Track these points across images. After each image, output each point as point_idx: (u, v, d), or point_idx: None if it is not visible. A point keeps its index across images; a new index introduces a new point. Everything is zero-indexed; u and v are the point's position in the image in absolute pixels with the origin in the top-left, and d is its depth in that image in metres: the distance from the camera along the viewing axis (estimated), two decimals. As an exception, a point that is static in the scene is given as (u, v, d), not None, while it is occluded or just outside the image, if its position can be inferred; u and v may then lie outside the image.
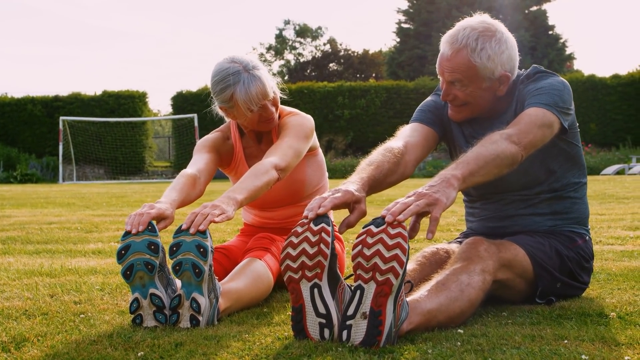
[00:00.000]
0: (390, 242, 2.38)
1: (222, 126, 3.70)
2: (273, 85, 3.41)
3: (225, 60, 3.36)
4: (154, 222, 2.88)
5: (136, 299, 2.79)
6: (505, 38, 3.05)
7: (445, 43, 3.07)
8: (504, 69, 3.05)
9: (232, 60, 3.33)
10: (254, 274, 3.17)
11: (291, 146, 3.33)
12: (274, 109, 3.42)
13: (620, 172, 26.12)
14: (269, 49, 55.59)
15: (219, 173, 3.70)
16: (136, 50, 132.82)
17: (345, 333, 2.41)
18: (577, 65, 59.58)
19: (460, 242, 3.33)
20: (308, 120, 3.52)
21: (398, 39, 48.62)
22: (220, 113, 3.52)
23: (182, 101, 33.43)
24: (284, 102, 3.55)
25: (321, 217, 2.52)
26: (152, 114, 38.83)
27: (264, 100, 3.34)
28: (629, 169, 26.38)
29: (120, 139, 31.58)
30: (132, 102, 33.22)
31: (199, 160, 3.44)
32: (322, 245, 2.47)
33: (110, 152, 31.39)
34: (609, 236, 5.67)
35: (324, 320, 2.47)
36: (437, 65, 3.12)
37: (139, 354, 2.35)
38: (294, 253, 2.50)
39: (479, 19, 3.08)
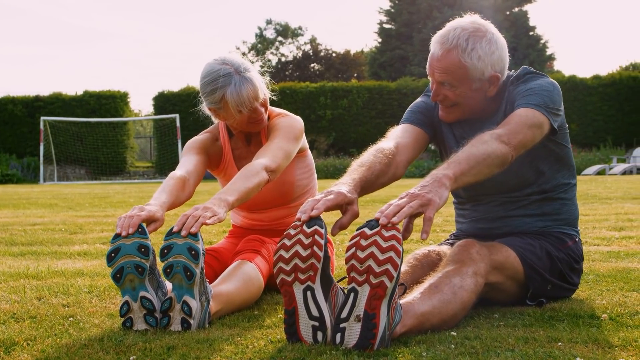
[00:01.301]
0: (384, 245, 2.36)
1: (210, 127, 3.68)
2: (263, 87, 3.39)
3: (216, 62, 3.33)
4: (144, 225, 2.86)
5: (126, 302, 2.77)
6: (496, 39, 3.05)
7: (435, 43, 3.06)
8: (494, 69, 3.04)
9: (223, 62, 3.31)
10: (244, 276, 3.15)
11: (281, 147, 3.31)
12: (263, 110, 3.40)
13: (600, 173, 26.29)
14: (251, 48, 55.55)
15: (206, 173, 3.67)
16: (117, 50, 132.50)
17: (338, 336, 2.39)
18: (557, 66, 59.85)
19: (451, 244, 3.32)
20: (298, 121, 3.51)
21: (380, 39, 48.71)
22: (209, 114, 3.49)
23: (163, 101, 33.34)
24: (270, 103, 3.53)
25: (314, 220, 2.50)
26: (133, 114, 38.71)
27: (255, 102, 3.32)
28: (610, 169, 26.55)
29: (101, 139, 31.44)
30: (114, 102, 33.11)
31: (188, 162, 3.41)
32: (315, 248, 2.45)
33: (92, 152, 31.24)
34: (594, 237, 5.69)
35: (317, 323, 2.45)
36: (427, 66, 3.11)
37: (131, 358, 2.33)
38: (286, 255, 2.48)
39: (470, 19, 3.08)
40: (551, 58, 46.92)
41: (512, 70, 3.21)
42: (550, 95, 2.99)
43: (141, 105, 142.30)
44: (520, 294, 3.06)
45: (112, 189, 19.41)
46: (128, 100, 34.11)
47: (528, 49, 43.88)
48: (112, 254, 2.77)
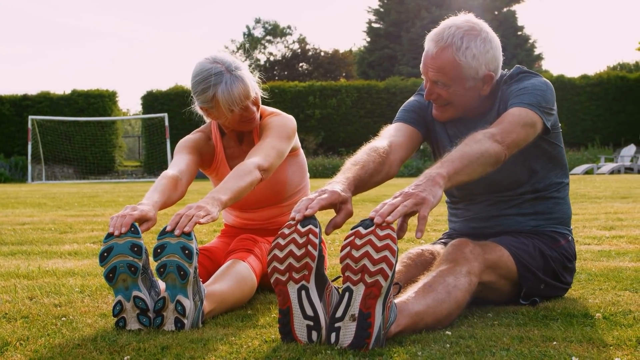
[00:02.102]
0: (379, 244, 2.36)
1: (202, 126, 3.67)
2: (255, 86, 3.38)
3: (207, 61, 3.32)
4: (137, 224, 2.85)
5: (119, 302, 2.75)
6: (490, 38, 3.04)
7: (430, 41, 3.05)
8: (488, 68, 3.04)
9: (214, 61, 3.30)
10: (237, 276, 3.14)
11: (274, 147, 3.31)
12: (255, 109, 3.39)
13: (588, 172, 26.37)
14: (239, 47, 55.47)
15: (198, 172, 3.65)
16: (106, 49, 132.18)
17: (333, 335, 2.38)
18: (546, 65, 60.20)
19: (444, 243, 3.32)
20: (290, 120, 3.50)
21: (368, 39, 48.77)
22: (201, 113, 3.48)
23: (152, 100, 33.20)
24: (261, 102, 3.52)
25: (308, 219, 2.49)
26: (121, 114, 38.60)
27: (246, 100, 3.31)
28: (598, 168, 26.64)
29: (90, 139, 31.28)
30: (102, 101, 32.92)
31: (181, 161, 3.40)
32: (309, 247, 2.45)
33: (80, 151, 31.08)
34: (585, 236, 5.70)
35: (311, 323, 2.45)
36: (421, 64, 3.10)
37: (125, 358, 2.32)
38: (281, 255, 2.47)
39: (464, 18, 3.07)
40: (539, 58, 47.12)
41: (505, 70, 3.21)
42: (544, 94, 2.99)
43: (129, 104, 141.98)
44: (513, 293, 3.06)
45: (101, 188, 19.34)
46: (116, 99, 33.95)
47: (516, 48, 44.01)
48: (105, 254, 2.76)
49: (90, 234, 6.65)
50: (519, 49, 44.26)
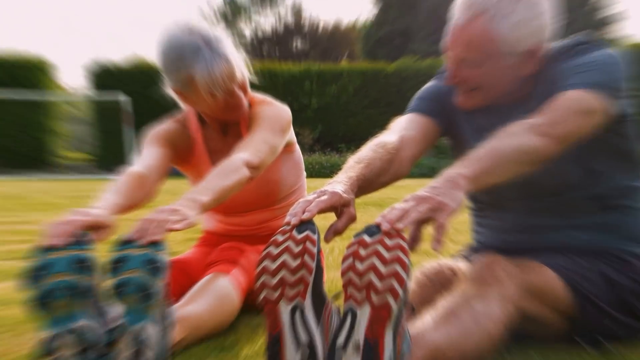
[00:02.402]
0: (387, 255, 2.34)
1: (177, 113, 3.68)
2: (241, 65, 3.39)
3: (179, 30, 3.28)
4: (86, 232, 2.72)
5: (55, 336, 2.58)
6: (537, 0, 2.93)
7: (458, 9, 2.98)
8: (532, 41, 2.94)
9: (189, 31, 3.27)
10: (218, 293, 3.15)
11: (266, 141, 3.32)
12: (242, 94, 3.42)
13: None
14: (218, 16, 55.29)
15: (173, 170, 3.63)
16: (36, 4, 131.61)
17: (333, 369, 2.37)
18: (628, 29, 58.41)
19: (468, 259, 3.32)
20: (285, 111, 3.54)
21: (377, 9, 48.72)
22: (173, 96, 3.48)
23: (106, 77, 32.94)
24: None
25: (305, 224, 2.50)
26: (61, 90, 37.86)
27: (231, 83, 3.33)
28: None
29: (13, 122, 30.65)
30: (30, 73, 32.23)
31: (149, 156, 3.38)
32: (306, 257, 2.46)
33: (0, 138, 30.58)
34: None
35: (306, 352, 2.45)
36: (445, 39, 3.04)
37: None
38: (272, 267, 2.47)
39: None
40: (609, 21, 45.58)
41: (558, 41, 3.08)
42: (610, 72, 2.87)
43: (75, 79, 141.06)
44: (564, 327, 2.96)
45: (34, 187, 19.01)
46: (49, 70, 33.33)
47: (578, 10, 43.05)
48: (37, 272, 2.59)
49: (9, 247, 6.46)
50: (576, 12, 43.45)
